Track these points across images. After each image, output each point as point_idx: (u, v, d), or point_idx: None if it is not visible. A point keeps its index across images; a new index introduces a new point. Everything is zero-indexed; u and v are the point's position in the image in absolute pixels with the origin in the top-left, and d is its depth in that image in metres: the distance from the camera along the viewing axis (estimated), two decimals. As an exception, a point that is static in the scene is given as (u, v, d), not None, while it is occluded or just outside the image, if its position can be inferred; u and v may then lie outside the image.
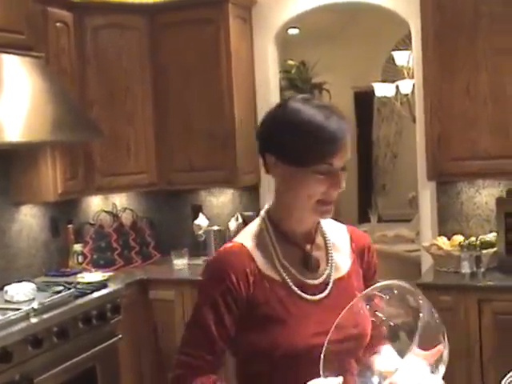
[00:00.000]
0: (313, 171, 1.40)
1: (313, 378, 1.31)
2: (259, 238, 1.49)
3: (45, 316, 2.94)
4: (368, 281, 1.58)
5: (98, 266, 3.89)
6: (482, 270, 3.28)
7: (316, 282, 1.49)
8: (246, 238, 1.51)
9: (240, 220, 4.01)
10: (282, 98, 7.32)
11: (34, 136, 3.15)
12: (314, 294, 1.48)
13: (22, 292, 3.07)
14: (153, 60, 3.91)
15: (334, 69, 7.16)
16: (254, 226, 1.53)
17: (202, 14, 3.78)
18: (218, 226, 4.06)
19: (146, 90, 3.92)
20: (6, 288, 3.09)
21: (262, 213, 1.54)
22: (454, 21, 3.35)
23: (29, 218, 3.73)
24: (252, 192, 4.14)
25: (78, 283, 3.44)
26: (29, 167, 3.54)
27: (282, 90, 7.27)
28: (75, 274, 3.72)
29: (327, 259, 1.53)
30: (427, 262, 3.63)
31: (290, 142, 1.41)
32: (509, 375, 1.95)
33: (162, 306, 3.71)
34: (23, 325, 2.83)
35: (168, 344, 3.67)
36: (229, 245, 1.50)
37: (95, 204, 4.22)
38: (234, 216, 4.04)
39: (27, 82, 3.25)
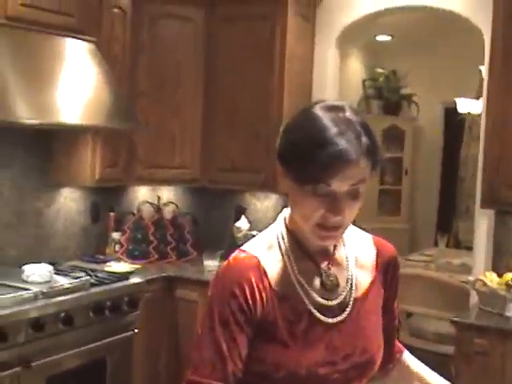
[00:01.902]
0: (310, 191, 1.22)
1: None
2: (273, 249, 1.33)
3: (53, 300, 2.90)
4: (391, 300, 1.45)
5: (132, 256, 3.84)
6: (530, 315, 2.91)
7: (332, 303, 1.32)
8: (259, 247, 1.34)
9: (281, 227, 3.82)
10: (366, 106, 7.11)
11: (75, 119, 3.14)
12: (330, 317, 1.31)
13: (37, 273, 3.04)
14: (207, 54, 3.82)
15: (425, 81, 6.78)
16: (269, 233, 1.37)
17: (260, 9, 3.64)
18: (258, 231, 3.88)
19: (197, 84, 3.82)
20: (23, 267, 3.08)
21: (280, 219, 1.37)
22: (527, 33, 3.00)
23: (68, 201, 3.73)
24: (298, 199, 3.93)
25: (101, 271, 3.40)
26: (70, 150, 3.53)
27: (368, 98, 7.08)
28: (107, 261, 3.69)
29: (346, 277, 1.35)
30: (476, 299, 3.29)
31: (292, 152, 1.24)
32: None
33: (186, 306, 3.60)
34: (28, 306, 2.80)
35: (187, 345, 3.55)
36: (241, 255, 1.31)
37: (141, 194, 4.18)
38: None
39: (75, 65, 3.25)
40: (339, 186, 1.20)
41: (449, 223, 6.93)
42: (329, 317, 1.31)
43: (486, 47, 3.30)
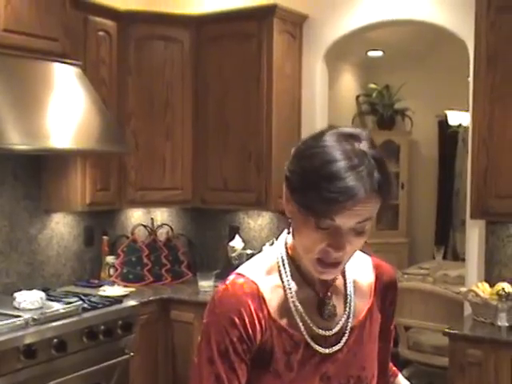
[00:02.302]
0: (313, 222, 1.15)
1: None
2: (273, 274, 1.27)
3: (45, 326, 2.89)
4: (388, 324, 1.40)
5: (126, 280, 3.83)
6: (523, 324, 2.89)
7: (330, 333, 1.27)
8: (257, 272, 1.27)
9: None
10: (361, 122, 7.13)
11: (65, 144, 3.15)
12: (326, 347, 1.26)
13: (29, 300, 3.04)
14: (195, 74, 3.84)
15: (419, 95, 6.80)
16: (268, 258, 1.30)
17: (246, 29, 3.66)
18: (252, 249, 3.89)
19: (186, 104, 3.84)
20: (14, 294, 3.07)
21: (279, 244, 1.31)
22: (509, 42, 3.01)
23: (60, 227, 3.73)
24: (291, 217, 3.93)
25: (95, 296, 3.38)
26: (59, 175, 3.54)
27: (362, 114, 7.11)
28: (101, 286, 3.67)
29: (345, 305, 1.31)
30: (470, 310, 3.27)
31: (298, 181, 1.17)
32: None
33: (182, 327, 3.58)
34: (19, 333, 2.79)
35: (184, 367, 3.53)
36: (239, 281, 1.24)
37: (136, 217, 4.18)
38: (269, 241, 3.85)
39: (63, 90, 3.27)
40: (344, 222, 1.14)
41: (446, 236, 6.90)
42: (325, 347, 1.26)
43: (471, 59, 3.31)
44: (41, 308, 3.03)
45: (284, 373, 1.23)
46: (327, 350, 1.26)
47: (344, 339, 1.28)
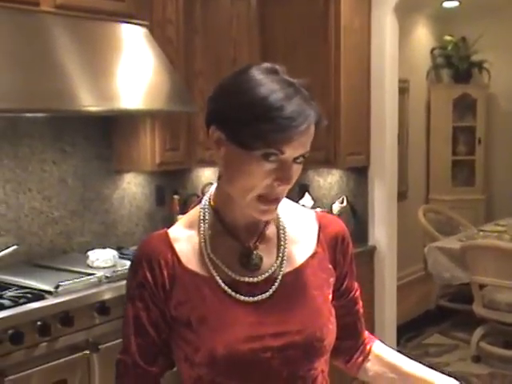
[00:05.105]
0: (260, 157, 1.18)
1: None
2: (193, 227, 1.31)
3: (117, 284, 2.96)
4: (346, 279, 1.40)
5: (196, 238, 3.86)
6: None
7: (255, 279, 1.27)
8: (179, 225, 1.34)
9: (345, 203, 3.78)
10: (436, 75, 6.87)
11: (136, 104, 3.17)
12: (253, 295, 1.26)
13: (101, 258, 3.11)
14: (262, 31, 3.77)
15: (497, 46, 6.48)
16: (194, 212, 1.34)
17: (314, -15, 3.54)
18: (322, 208, 3.85)
19: (253, 62, 3.77)
20: (88, 253, 3.16)
21: (205, 197, 1.34)
22: None
23: (132, 187, 3.79)
24: (361, 175, 3.86)
25: (166, 255, 3.44)
26: (130, 136, 3.57)
27: (437, 67, 6.84)
28: (172, 244, 3.73)
29: (278, 252, 1.30)
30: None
31: (239, 118, 1.19)
32: None
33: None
34: (92, 291, 2.86)
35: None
36: (155, 233, 1.34)
37: (205, 176, 4.20)
38: (338, 199, 3.81)
39: (130, 50, 3.27)
40: (292, 153, 1.19)
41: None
42: (252, 295, 1.25)
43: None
44: (113, 266, 3.10)
45: (203, 320, 1.23)
46: (248, 298, 1.25)
47: (274, 287, 1.27)
